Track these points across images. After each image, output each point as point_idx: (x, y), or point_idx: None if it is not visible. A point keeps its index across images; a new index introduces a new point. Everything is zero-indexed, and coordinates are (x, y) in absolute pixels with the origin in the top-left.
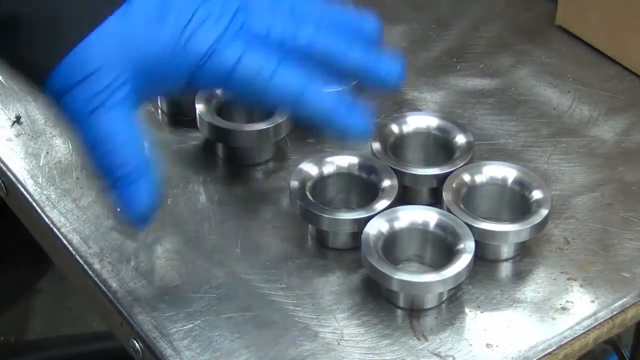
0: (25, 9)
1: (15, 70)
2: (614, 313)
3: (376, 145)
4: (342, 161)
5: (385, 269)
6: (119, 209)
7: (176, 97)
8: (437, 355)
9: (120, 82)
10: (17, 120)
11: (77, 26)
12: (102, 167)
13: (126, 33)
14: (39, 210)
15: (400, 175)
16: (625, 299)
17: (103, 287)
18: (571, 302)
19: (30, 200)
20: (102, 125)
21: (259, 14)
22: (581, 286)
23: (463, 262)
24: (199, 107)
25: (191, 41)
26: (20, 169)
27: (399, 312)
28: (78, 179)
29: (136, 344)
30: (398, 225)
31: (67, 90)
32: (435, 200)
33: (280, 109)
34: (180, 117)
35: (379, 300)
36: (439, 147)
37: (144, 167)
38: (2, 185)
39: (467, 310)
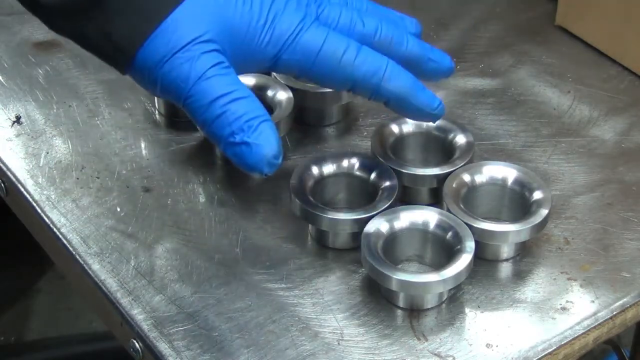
0: None
1: (98, 46)
2: (614, 313)
3: (376, 145)
4: (342, 161)
5: (385, 269)
6: (247, 160)
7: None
8: (437, 355)
9: (218, 50)
10: (17, 120)
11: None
12: (223, 121)
13: (213, 6)
14: (39, 210)
15: (400, 175)
16: (625, 299)
17: (103, 287)
18: (571, 302)
19: (30, 200)
20: (218, 82)
21: (328, 5)
22: (581, 286)
23: (463, 262)
24: None
25: (277, 21)
26: (20, 169)
27: (399, 312)
28: (78, 179)
29: (136, 344)
30: (398, 225)
31: (166, 59)
32: (435, 200)
33: (358, 90)
34: (178, 118)
35: (379, 300)
36: (439, 147)
37: (264, 112)
38: (2, 185)
39: (467, 310)
